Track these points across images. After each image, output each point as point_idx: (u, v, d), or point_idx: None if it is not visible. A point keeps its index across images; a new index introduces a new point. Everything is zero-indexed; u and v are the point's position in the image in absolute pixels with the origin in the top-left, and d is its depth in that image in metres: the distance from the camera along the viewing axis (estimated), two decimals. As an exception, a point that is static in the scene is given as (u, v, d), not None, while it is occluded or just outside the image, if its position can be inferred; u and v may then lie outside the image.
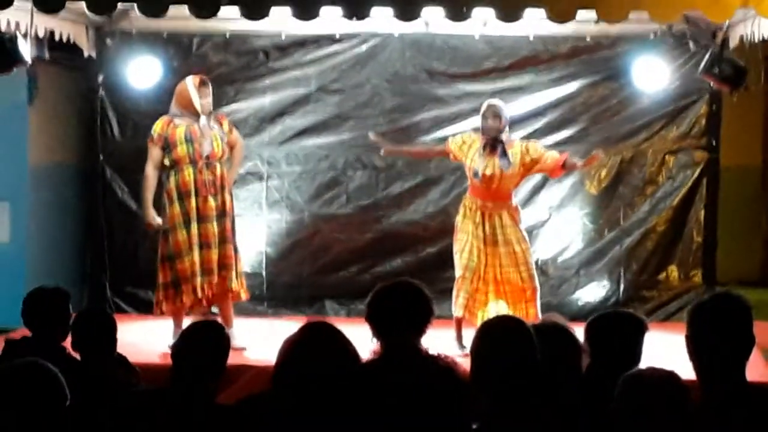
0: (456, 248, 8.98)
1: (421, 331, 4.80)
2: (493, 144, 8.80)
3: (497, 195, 8.87)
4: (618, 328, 4.76)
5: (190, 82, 8.81)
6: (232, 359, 5.06)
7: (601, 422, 4.00)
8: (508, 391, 3.62)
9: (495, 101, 9.02)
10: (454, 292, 8.92)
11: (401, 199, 10.70)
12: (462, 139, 9.06)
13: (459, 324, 8.91)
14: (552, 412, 3.73)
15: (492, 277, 8.86)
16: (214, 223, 8.75)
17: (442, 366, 4.61)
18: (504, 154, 8.78)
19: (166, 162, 8.75)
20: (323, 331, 4.07)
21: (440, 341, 4.84)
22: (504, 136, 8.82)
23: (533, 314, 8.81)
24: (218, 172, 8.80)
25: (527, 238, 9.06)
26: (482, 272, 8.84)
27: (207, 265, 8.72)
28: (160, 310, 8.88)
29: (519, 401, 3.62)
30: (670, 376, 3.76)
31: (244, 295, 9.06)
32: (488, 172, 8.75)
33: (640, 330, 4.78)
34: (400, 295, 4.89)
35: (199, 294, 8.70)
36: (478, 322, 8.46)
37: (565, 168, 9.03)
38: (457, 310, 8.88)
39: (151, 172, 8.80)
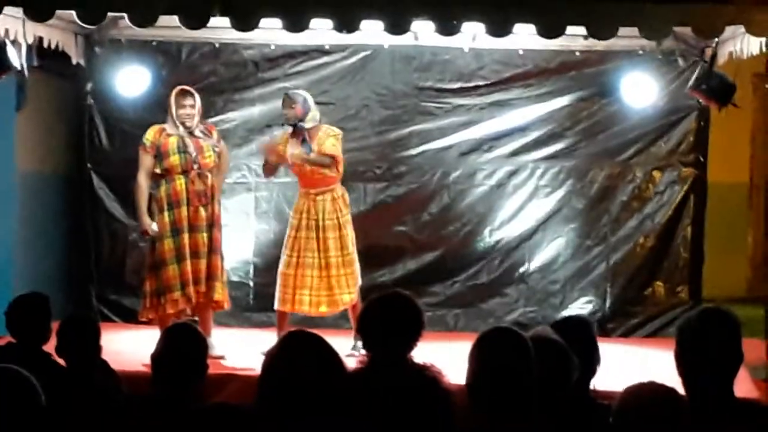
0: (284, 243, 9.11)
1: (412, 345, 4.79)
2: (297, 132, 8.95)
3: (315, 182, 8.96)
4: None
5: (173, 93, 8.85)
6: (217, 369, 5.05)
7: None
8: (504, 404, 3.61)
9: (291, 90, 9.24)
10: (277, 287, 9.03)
11: (388, 211, 10.67)
12: (278, 141, 9.22)
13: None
14: (543, 426, 3.72)
15: (310, 263, 8.92)
16: (204, 234, 8.77)
17: (427, 377, 4.60)
18: (305, 140, 8.90)
19: (157, 170, 8.75)
20: (305, 340, 4.06)
21: (424, 352, 4.84)
22: (308, 124, 8.91)
23: (348, 301, 8.90)
24: (209, 182, 8.82)
25: (349, 225, 9.07)
26: (299, 259, 8.94)
27: (195, 274, 8.72)
28: (145, 317, 8.93)
29: (513, 414, 3.61)
30: (669, 392, 3.74)
31: (226, 305, 9.08)
32: (293, 160, 8.91)
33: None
34: (392, 307, 4.89)
35: (184, 303, 8.72)
36: (302, 308, 8.88)
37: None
38: (277, 304, 9.00)
39: (143, 181, 8.80)
